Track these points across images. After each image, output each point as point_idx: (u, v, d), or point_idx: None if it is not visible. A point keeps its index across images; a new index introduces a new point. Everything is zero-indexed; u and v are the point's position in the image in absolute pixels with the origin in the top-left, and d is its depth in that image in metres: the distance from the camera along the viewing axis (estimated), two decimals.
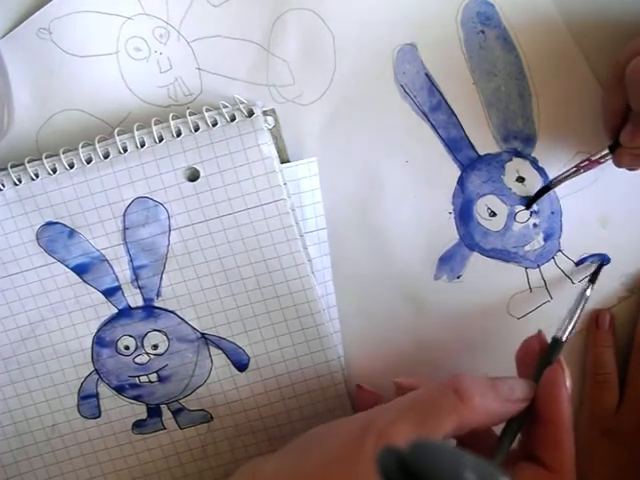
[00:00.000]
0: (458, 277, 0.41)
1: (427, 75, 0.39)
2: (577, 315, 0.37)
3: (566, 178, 0.39)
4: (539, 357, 0.34)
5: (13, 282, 0.39)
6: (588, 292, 0.38)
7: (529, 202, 0.40)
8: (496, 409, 0.31)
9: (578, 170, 0.38)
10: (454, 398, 0.30)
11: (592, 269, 0.41)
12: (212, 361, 0.40)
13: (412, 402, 0.31)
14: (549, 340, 0.35)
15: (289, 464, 0.33)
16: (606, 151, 0.37)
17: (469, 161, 0.40)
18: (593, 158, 0.37)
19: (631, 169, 0.38)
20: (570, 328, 0.36)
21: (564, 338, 0.35)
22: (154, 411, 0.41)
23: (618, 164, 0.37)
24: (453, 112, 0.40)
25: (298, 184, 0.39)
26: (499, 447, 0.32)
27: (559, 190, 0.40)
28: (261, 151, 0.37)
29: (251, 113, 0.37)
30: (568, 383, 0.32)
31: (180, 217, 0.38)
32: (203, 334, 0.40)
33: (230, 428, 0.41)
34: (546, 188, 0.40)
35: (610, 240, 0.41)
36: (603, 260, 0.41)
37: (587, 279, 0.41)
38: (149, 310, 0.39)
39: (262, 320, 0.40)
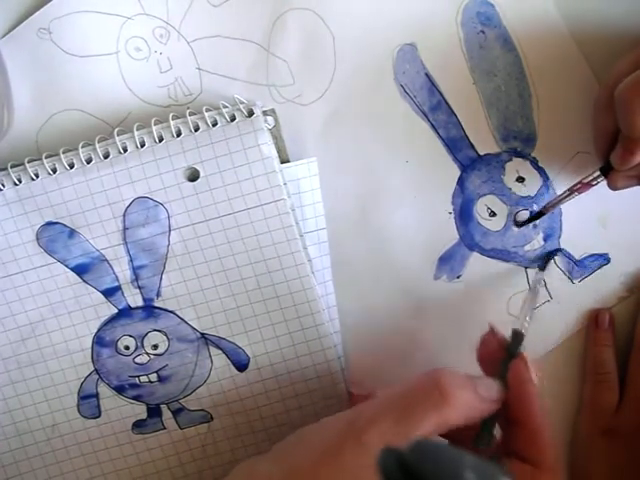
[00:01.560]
0: (458, 277, 0.41)
1: (427, 75, 0.39)
2: (534, 305, 0.36)
3: (560, 202, 0.39)
4: (502, 352, 0.34)
5: (13, 282, 0.39)
6: (541, 282, 0.38)
7: (521, 224, 0.40)
8: (475, 406, 0.31)
9: (572, 193, 0.38)
10: (435, 394, 0.30)
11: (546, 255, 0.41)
12: (212, 361, 0.40)
13: (392, 399, 0.31)
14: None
15: (280, 463, 0.33)
16: (598, 173, 0.37)
17: (469, 161, 0.40)
18: (585, 181, 0.37)
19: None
20: (528, 318, 0.35)
21: (523, 329, 0.35)
22: (154, 411, 0.41)
23: (613, 187, 0.37)
24: (453, 112, 0.40)
25: (298, 184, 0.39)
26: (476, 445, 0.32)
27: (559, 190, 0.40)
28: (261, 151, 0.37)
29: (251, 113, 0.37)
30: (534, 376, 0.32)
31: (180, 217, 0.38)
32: (203, 334, 0.40)
33: (230, 428, 0.41)
34: (540, 213, 0.40)
35: (610, 240, 0.41)
36: (559, 249, 0.41)
37: (537, 267, 0.40)
38: (149, 310, 0.39)
39: (262, 320, 0.40)
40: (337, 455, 0.30)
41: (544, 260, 0.40)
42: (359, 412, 0.31)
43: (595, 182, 0.37)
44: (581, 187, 0.37)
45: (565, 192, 0.38)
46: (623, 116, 0.34)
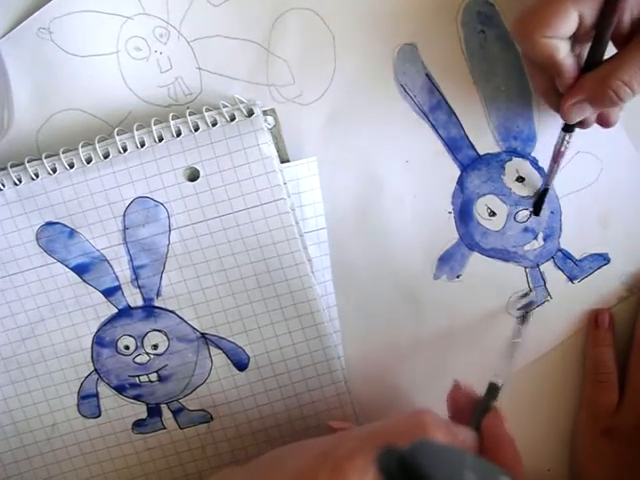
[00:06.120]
0: (458, 277, 0.41)
1: (427, 75, 0.39)
2: (512, 360, 0.36)
3: (552, 174, 0.39)
4: (471, 404, 0.34)
5: (13, 282, 0.39)
6: (520, 335, 0.37)
7: (536, 208, 0.41)
8: None
9: (556, 162, 0.38)
10: (418, 433, 0.29)
11: (523, 306, 0.41)
12: (212, 361, 0.40)
13: (373, 434, 0.30)
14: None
15: None
16: (562, 133, 0.37)
17: (469, 161, 0.40)
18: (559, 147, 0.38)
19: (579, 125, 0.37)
20: (506, 373, 0.35)
21: (500, 383, 0.34)
22: (154, 411, 0.41)
23: (566, 114, 0.35)
24: (453, 112, 0.40)
25: (298, 184, 0.39)
26: None
27: (559, 189, 0.40)
28: (261, 151, 0.37)
29: (251, 113, 0.37)
30: (508, 427, 0.32)
31: (180, 217, 0.38)
32: (203, 334, 0.40)
33: (230, 428, 0.41)
34: (545, 191, 0.40)
35: (610, 240, 0.41)
36: (537, 300, 0.41)
37: (518, 321, 0.40)
38: (149, 310, 0.39)
39: (262, 319, 0.40)
40: None
41: (523, 314, 0.40)
42: (339, 441, 0.31)
43: (566, 142, 0.37)
44: (559, 152, 0.38)
45: (550, 163, 0.39)
46: (527, 50, 0.34)
